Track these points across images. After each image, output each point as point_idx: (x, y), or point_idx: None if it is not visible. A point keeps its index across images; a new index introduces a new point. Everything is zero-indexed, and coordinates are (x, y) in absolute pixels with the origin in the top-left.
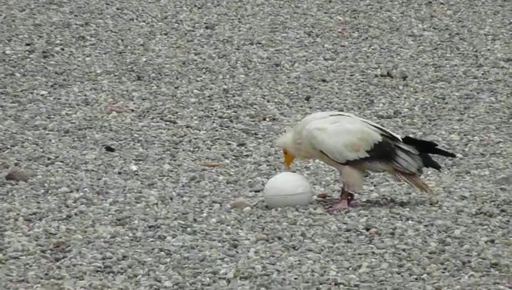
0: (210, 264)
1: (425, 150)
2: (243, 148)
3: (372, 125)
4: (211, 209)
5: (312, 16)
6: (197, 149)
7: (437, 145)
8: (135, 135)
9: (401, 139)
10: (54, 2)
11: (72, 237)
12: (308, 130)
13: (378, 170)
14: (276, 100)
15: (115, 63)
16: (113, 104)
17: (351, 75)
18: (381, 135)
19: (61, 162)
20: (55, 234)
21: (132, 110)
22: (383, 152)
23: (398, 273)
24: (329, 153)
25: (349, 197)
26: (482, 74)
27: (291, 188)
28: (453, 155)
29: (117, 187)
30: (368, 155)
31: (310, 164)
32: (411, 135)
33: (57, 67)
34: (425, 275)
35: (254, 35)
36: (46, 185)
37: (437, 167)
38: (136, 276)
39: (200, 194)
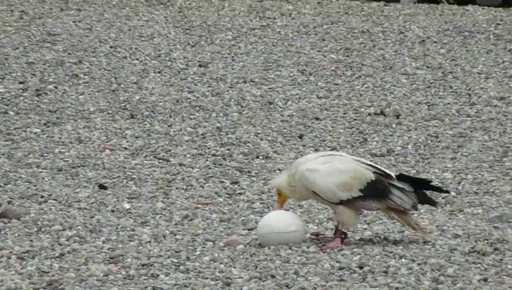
0: None
1: (419, 187)
2: (236, 186)
3: (365, 163)
4: (204, 247)
5: (305, 54)
6: (190, 187)
7: (431, 181)
8: (128, 173)
9: (394, 177)
10: (47, 40)
11: (65, 275)
12: (300, 171)
13: (372, 208)
14: (269, 138)
15: (108, 101)
16: (106, 142)
17: (344, 114)
18: (374, 173)
19: (54, 200)
20: (48, 272)
21: (125, 148)
22: (376, 190)
23: None
24: (321, 193)
25: (342, 236)
26: (475, 113)
27: (284, 226)
28: (447, 192)
29: (110, 225)
30: (361, 194)
31: (304, 202)
32: (405, 173)
33: (50, 105)
34: None
35: (247, 73)
36: (39, 223)
37: (433, 203)
38: None
39: (193, 232)
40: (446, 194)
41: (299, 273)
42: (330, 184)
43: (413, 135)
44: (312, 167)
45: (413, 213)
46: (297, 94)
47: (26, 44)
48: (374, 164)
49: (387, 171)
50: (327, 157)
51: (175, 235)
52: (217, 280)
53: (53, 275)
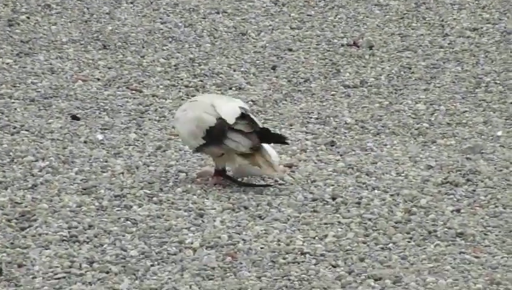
0: (176, 234)
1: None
2: None
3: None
4: (177, 178)
5: None
6: (163, 118)
7: (269, 131)
8: (101, 104)
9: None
10: None
11: (37, 206)
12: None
13: (215, 154)
14: (242, 69)
15: (80, 32)
16: (79, 72)
17: (317, 45)
18: (218, 118)
19: (27, 130)
20: (21, 203)
21: (98, 79)
22: (213, 136)
23: (364, 243)
24: (183, 141)
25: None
26: (448, 44)
27: None
28: (285, 143)
29: (83, 156)
30: (204, 141)
31: None
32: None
33: (22, 35)
34: (391, 244)
35: (220, 4)
36: (11, 154)
37: (282, 140)
38: (102, 245)
39: (166, 164)
40: (419, 125)
41: (272, 204)
42: (185, 133)
43: (386, 66)
44: (176, 115)
45: (257, 152)
46: (270, 25)
47: None
48: (241, 105)
49: (254, 119)
50: (188, 103)
51: (148, 166)
52: (190, 211)
53: (26, 206)
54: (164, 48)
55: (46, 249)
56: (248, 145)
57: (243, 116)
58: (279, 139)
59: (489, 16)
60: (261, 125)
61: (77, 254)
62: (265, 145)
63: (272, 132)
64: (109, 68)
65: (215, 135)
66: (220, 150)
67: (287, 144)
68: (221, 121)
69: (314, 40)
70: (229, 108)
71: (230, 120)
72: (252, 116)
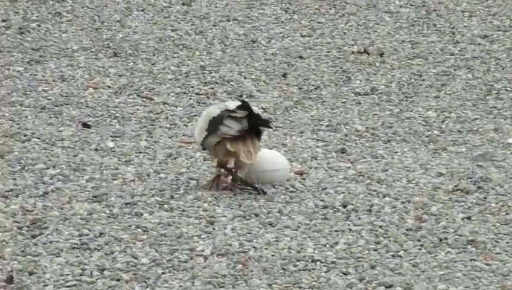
0: (187, 241)
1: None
2: None
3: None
4: (187, 186)
5: None
6: (173, 126)
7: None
8: (112, 112)
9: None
10: None
11: (48, 213)
12: None
13: (211, 144)
14: (252, 77)
15: (91, 40)
16: (90, 80)
17: (327, 52)
18: (223, 110)
19: (38, 138)
20: (32, 211)
21: (109, 87)
22: (213, 124)
23: (375, 250)
24: (195, 141)
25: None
26: (459, 51)
27: (268, 164)
28: (269, 126)
29: (93, 164)
30: (206, 133)
31: (287, 141)
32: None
33: (33, 43)
34: (402, 251)
35: (231, 11)
36: (22, 161)
37: (265, 124)
38: (113, 253)
39: (177, 171)
40: (429, 133)
41: (282, 212)
42: (196, 130)
43: (397, 74)
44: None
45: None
46: (280, 32)
47: None
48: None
49: (253, 109)
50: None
51: (159, 173)
52: (201, 219)
53: (36, 214)
54: (175, 55)
55: (57, 257)
56: (237, 128)
57: (245, 106)
58: (265, 123)
59: (500, 23)
60: (257, 112)
61: (88, 262)
62: (276, 153)
63: (261, 117)
64: (120, 76)
65: (215, 123)
66: (215, 138)
67: (271, 127)
68: (224, 111)
69: (325, 47)
70: (236, 102)
71: (231, 107)
72: (253, 107)
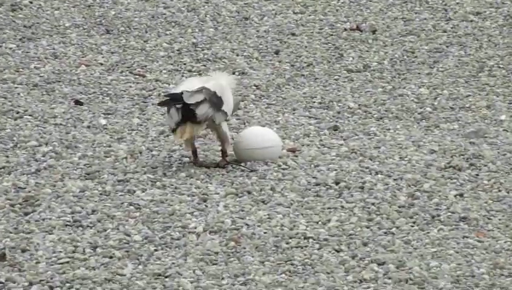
0: (179, 219)
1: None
2: None
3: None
4: (180, 163)
5: None
6: None
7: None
8: (104, 89)
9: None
10: None
11: (41, 191)
12: None
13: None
14: (245, 54)
15: (83, 17)
16: (82, 57)
17: (320, 29)
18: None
19: (30, 115)
20: (24, 188)
21: (101, 64)
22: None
23: (367, 227)
24: None
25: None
26: (451, 28)
27: (260, 141)
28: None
29: (86, 141)
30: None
31: (280, 118)
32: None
33: (25, 20)
34: (394, 229)
35: None
36: (14, 138)
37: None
38: (106, 230)
39: (170, 149)
40: (422, 110)
41: (275, 189)
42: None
43: (390, 51)
44: None
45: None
46: (273, 9)
47: None
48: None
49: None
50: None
51: (151, 151)
52: (193, 196)
53: (29, 191)
54: (167, 32)
55: (50, 234)
56: (176, 119)
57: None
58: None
59: (492, 0)
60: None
61: (81, 239)
62: (268, 130)
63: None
64: (112, 53)
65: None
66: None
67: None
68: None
69: (317, 24)
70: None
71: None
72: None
